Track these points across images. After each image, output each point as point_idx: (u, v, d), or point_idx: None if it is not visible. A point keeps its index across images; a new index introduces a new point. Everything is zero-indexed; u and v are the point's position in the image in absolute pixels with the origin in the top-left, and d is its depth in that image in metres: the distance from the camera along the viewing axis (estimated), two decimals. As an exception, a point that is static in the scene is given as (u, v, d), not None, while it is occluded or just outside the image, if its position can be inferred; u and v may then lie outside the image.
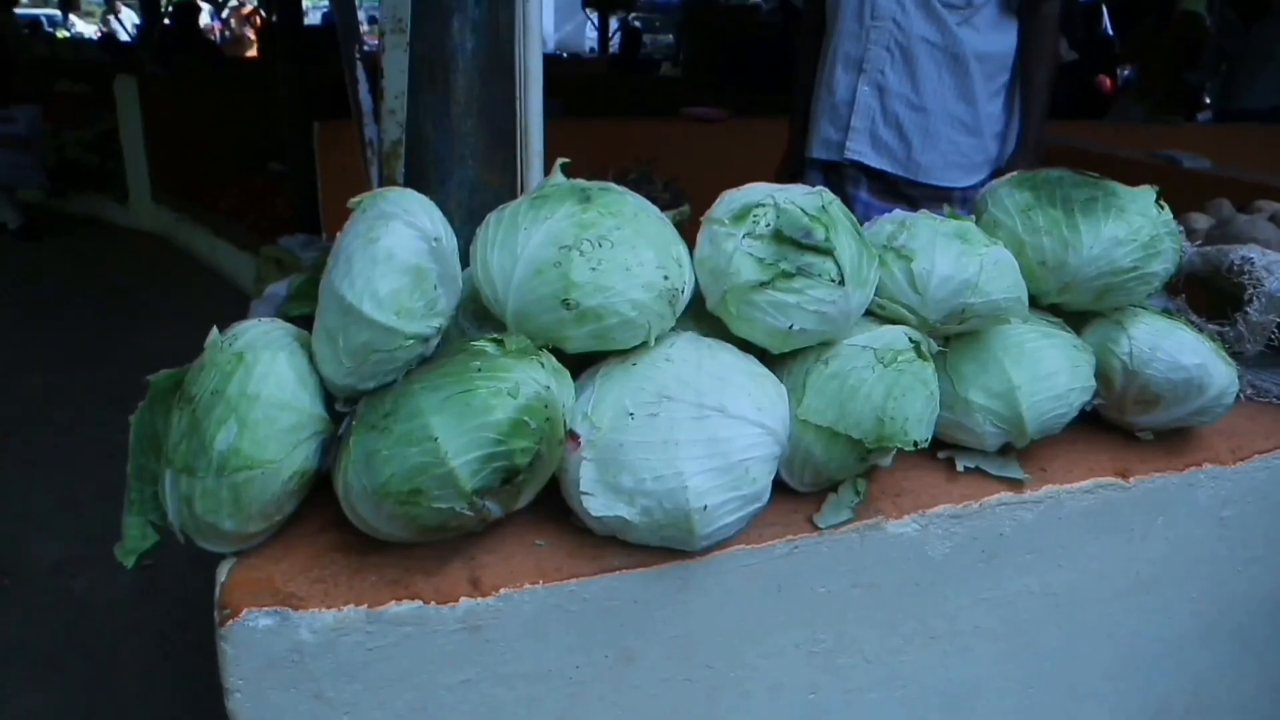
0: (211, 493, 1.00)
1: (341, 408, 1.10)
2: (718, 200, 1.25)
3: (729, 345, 1.19)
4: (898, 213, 1.35)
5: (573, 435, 1.09)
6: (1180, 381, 1.35)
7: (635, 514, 1.07)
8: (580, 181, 1.21)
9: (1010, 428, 1.30)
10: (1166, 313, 1.46)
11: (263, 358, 1.04)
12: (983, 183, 2.36)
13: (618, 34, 12.64)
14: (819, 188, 1.23)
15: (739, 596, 1.19)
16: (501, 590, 1.06)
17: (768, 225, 1.16)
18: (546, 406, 1.04)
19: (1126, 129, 6.41)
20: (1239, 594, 1.59)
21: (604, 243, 1.10)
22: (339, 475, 1.04)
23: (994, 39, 2.31)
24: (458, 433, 0.98)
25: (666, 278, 1.13)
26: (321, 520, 1.14)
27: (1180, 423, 1.42)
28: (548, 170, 1.46)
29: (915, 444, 1.15)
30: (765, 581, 1.20)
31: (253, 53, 12.61)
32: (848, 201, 2.44)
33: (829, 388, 1.18)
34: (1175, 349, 1.35)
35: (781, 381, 1.19)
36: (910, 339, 1.22)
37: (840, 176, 2.51)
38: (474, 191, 1.38)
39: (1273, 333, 1.60)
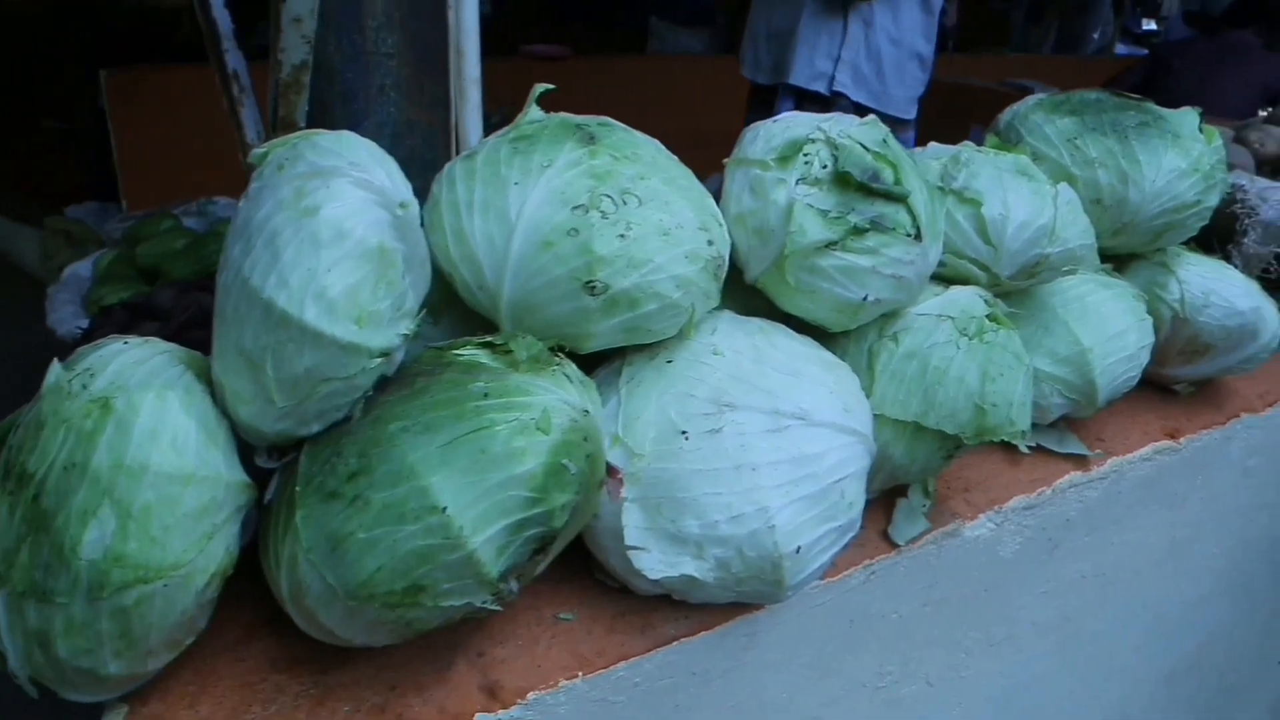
0: (83, 626, 0.63)
1: (264, 461, 0.75)
2: (745, 135, 0.96)
3: (779, 325, 0.92)
4: (936, 146, 1.10)
5: (612, 472, 0.79)
6: (1235, 329, 1.20)
7: (707, 569, 0.79)
8: (568, 115, 0.88)
9: (1079, 397, 1.10)
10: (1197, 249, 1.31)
11: (144, 404, 0.66)
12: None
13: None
14: (870, 116, 0.96)
15: (807, 641, 0.94)
16: (530, 695, 0.76)
17: (824, 167, 0.89)
18: (586, 440, 0.73)
19: (958, 60, 6.54)
20: (1248, 543, 1.50)
21: (629, 198, 0.79)
22: (278, 569, 0.70)
23: None
24: (474, 496, 0.66)
25: (710, 243, 0.83)
26: (241, 621, 0.79)
27: (1222, 373, 1.28)
28: (487, 105, 1.12)
29: (1023, 434, 0.93)
30: (837, 618, 0.95)
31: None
32: None
33: (906, 371, 0.93)
34: (1229, 293, 1.20)
35: (841, 367, 0.93)
36: (985, 302, 0.99)
37: (816, 107, 2.49)
38: (398, 136, 1.02)
39: (1270, 263, 1.50)
